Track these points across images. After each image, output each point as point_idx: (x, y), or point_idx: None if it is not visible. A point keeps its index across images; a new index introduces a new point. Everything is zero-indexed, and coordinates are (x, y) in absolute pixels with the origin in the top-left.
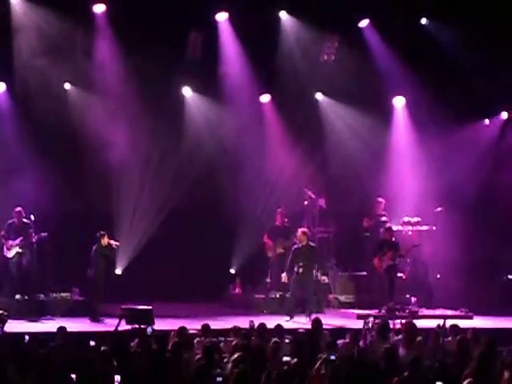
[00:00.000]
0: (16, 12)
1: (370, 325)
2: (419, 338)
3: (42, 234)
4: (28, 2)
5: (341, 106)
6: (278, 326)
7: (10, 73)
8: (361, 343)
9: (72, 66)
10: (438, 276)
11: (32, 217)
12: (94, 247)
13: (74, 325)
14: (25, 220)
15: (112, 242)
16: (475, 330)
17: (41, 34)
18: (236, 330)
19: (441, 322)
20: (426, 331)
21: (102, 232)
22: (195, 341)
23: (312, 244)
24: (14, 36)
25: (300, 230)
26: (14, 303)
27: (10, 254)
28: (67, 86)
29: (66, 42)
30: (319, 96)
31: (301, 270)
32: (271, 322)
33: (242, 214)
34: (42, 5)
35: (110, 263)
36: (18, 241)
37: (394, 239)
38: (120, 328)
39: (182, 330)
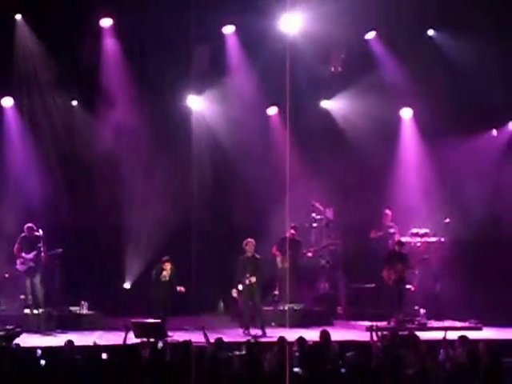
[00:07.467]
0: (21, 28)
1: (375, 337)
2: (424, 349)
3: (58, 250)
4: (34, 17)
5: (348, 117)
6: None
7: (17, 88)
8: (371, 355)
9: (79, 82)
10: (447, 287)
11: (40, 231)
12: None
13: (84, 338)
14: (36, 233)
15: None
16: (485, 342)
17: (46, 50)
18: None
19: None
20: (434, 343)
21: (166, 257)
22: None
23: (257, 256)
24: (19, 51)
25: (247, 240)
26: (25, 317)
27: (23, 267)
28: (74, 102)
29: (73, 57)
30: (326, 105)
31: (247, 282)
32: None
33: (248, 226)
34: (48, 20)
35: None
36: (31, 255)
37: (403, 251)
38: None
39: (187, 343)
